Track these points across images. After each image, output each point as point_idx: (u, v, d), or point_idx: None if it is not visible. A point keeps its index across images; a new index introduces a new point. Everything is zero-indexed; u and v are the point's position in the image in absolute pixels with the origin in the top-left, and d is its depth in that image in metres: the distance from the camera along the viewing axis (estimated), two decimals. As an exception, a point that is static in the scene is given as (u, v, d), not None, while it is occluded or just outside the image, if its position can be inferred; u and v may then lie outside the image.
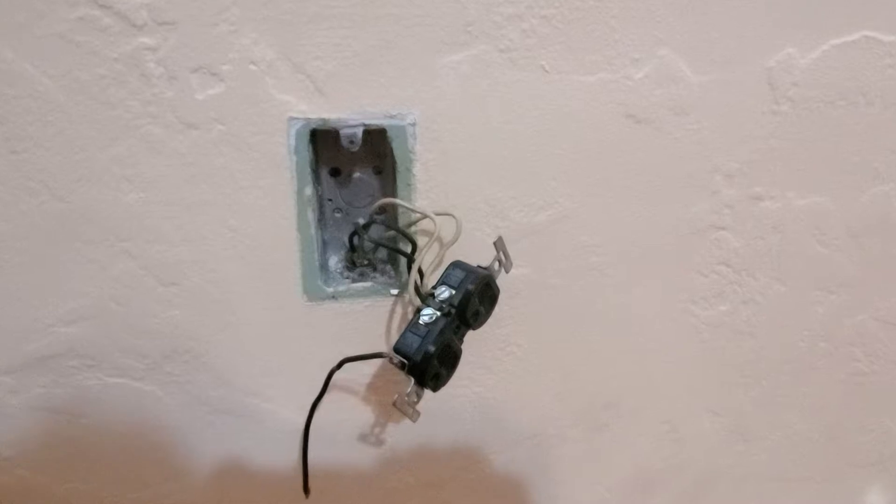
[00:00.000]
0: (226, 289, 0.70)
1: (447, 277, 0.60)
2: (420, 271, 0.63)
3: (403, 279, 0.72)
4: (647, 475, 0.91)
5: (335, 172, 0.73)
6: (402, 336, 0.59)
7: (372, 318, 0.74)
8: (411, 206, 0.63)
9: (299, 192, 0.67)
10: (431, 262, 0.67)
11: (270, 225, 0.68)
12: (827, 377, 0.89)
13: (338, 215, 0.75)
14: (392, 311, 0.74)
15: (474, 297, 0.59)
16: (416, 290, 0.62)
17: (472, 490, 0.86)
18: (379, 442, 0.82)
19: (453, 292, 0.59)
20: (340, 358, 0.66)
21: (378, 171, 0.73)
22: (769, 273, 0.80)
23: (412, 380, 0.57)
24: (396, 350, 0.58)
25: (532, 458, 0.86)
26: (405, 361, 0.57)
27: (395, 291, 0.73)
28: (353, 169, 0.73)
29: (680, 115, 0.70)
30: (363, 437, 0.81)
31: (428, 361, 0.56)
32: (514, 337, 0.78)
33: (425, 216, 0.64)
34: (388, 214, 0.74)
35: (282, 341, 0.74)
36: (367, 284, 0.73)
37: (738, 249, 0.78)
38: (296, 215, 0.68)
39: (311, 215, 0.68)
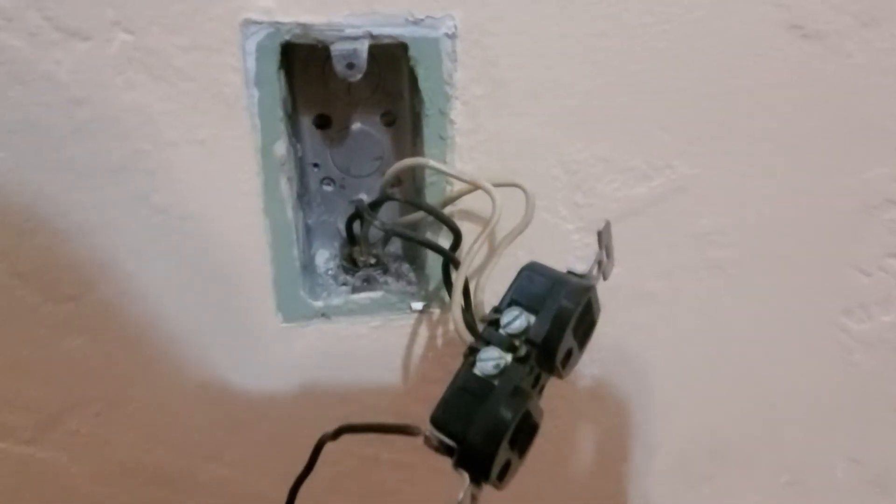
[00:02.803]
0: (151, 307, 0.44)
1: (519, 292, 0.35)
2: (465, 282, 0.38)
3: (432, 286, 0.47)
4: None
5: (323, 122, 0.47)
6: (446, 398, 0.34)
7: (383, 347, 0.49)
8: (454, 172, 0.38)
9: (265, 150, 0.41)
10: (481, 264, 0.42)
11: (220, 204, 0.42)
12: None
13: (328, 188, 0.49)
14: (414, 336, 0.49)
15: (569, 328, 0.34)
16: (466, 314, 0.37)
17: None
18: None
19: (532, 318, 0.34)
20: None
21: (390, 121, 0.47)
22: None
23: (465, 476, 0.33)
24: (436, 423, 0.33)
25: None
26: (453, 445, 0.32)
27: (418, 306, 0.47)
28: (350, 116, 0.47)
29: (869, 27, 0.44)
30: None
31: (496, 445, 0.32)
32: (588, 367, 0.53)
33: (475, 188, 0.38)
34: (408, 187, 0.48)
35: (245, 384, 0.48)
36: (376, 295, 0.47)
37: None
38: (261, 188, 0.42)
39: (285, 188, 0.42)
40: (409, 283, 0.49)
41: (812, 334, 0.56)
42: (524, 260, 0.45)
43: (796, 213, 0.50)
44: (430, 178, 0.43)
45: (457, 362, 0.50)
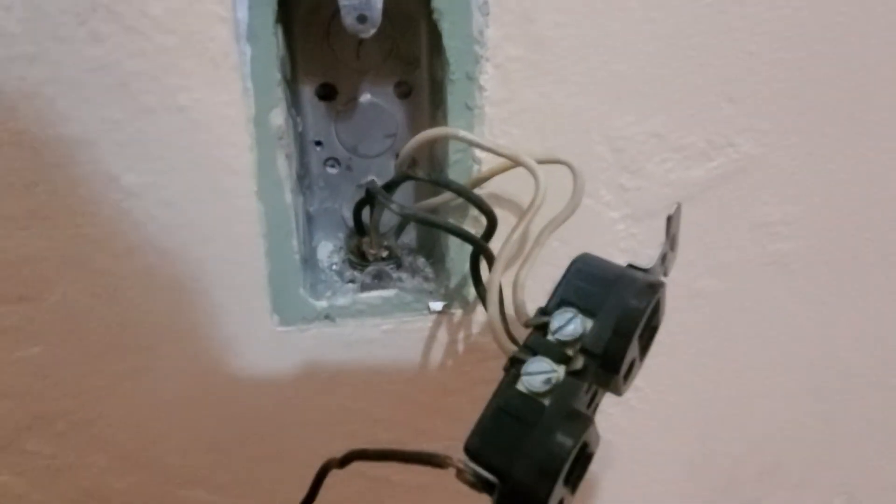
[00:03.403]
0: (123, 309, 0.37)
1: (571, 290, 0.28)
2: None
3: (453, 283, 0.40)
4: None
5: (327, 92, 0.40)
6: (484, 422, 0.27)
7: (396, 354, 0.42)
8: (490, 145, 0.31)
9: (259, 120, 0.34)
10: (518, 257, 0.35)
11: (206, 186, 0.35)
12: None
13: (332, 171, 0.43)
14: (431, 341, 0.42)
15: (636, 334, 0.27)
16: (505, 320, 0.30)
17: None
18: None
19: (588, 322, 0.28)
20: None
21: (405, 93, 0.41)
22: None
23: (510, 521, 0.26)
24: (473, 452, 0.26)
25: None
26: (494, 482, 0.26)
27: (437, 306, 0.41)
28: (359, 86, 0.40)
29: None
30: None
31: (550, 483, 0.25)
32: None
33: (511, 165, 0.32)
34: (427, 167, 0.41)
35: (235, 397, 0.42)
36: (388, 293, 0.41)
37: None
38: (254, 167, 0.35)
39: (282, 166, 0.36)
40: (427, 279, 0.42)
41: (882, 342, 0.50)
42: (561, 253, 0.39)
43: (872, 205, 0.44)
44: (454, 156, 0.36)
45: (481, 371, 0.43)
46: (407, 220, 0.33)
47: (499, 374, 0.29)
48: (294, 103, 0.39)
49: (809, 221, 0.43)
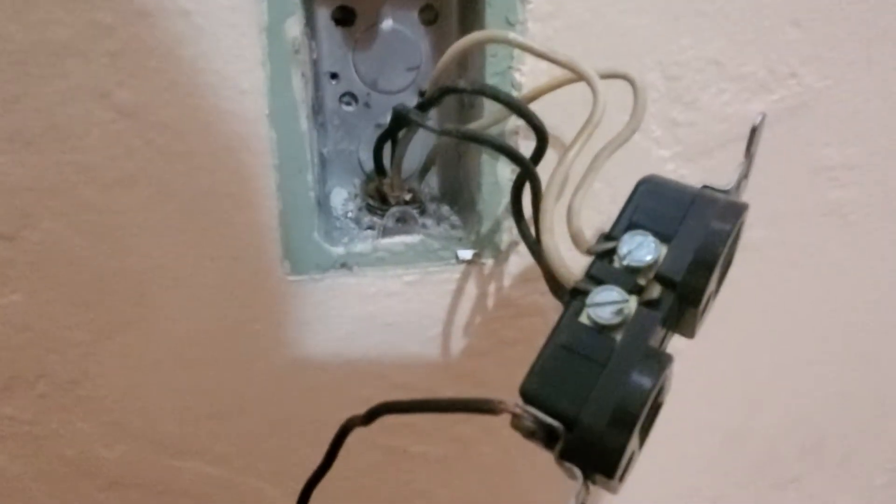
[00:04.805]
0: (114, 251, 0.33)
1: (641, 212, 0.24)
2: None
3: (485, 228, 0.36)
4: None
5: (345, 17, 0.36)
6: (544, 361, 0.23)
7: (420, 309, 0.38)
8: (545, 50, 0.27)
9: (272, 30, 0.30)
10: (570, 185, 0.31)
11: (210, 106, 0.31)
12: None
13: (349, 108, 0.38)
14: (458, 295, 0.38)
15: (720, 261, 0.23)
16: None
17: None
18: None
19: (664, 248, 0.24)
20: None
21: (430, 19, 0.37)
22: None
23: (578, 475, 0.22)
24: (532, 396, 0.22)
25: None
26: (558, 428, 0.21)
27: (466, 254, 0.36)
28: (380, 10, 0.36)
29: None
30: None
31: (628, 430, 0.21)
32: (667, 338, 0.43)
33: (559, 84, 0.28)
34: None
35: (238, 356, 0.37)
36: (412, 239, 0.36)
37: None
38: (266, 86, 0.31)
39: (298, 87, 0.31)
40: (454, 226, 0.38)
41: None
42: (604, 196, 0.35)
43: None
44: (491, 67, 0.32)
45: (512, 331, 0.39)
46: (447, 134, 0.29)
47: (534, 333, 0.25)
48: (310, 22, 0.34)
49: (873, 167, 0.39)
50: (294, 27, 0.30)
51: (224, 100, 0.31)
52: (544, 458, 0.23)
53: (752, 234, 0.40)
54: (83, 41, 0.29)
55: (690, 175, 0.37)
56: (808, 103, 0.37)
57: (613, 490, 0.24)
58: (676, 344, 0.45)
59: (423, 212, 0.38)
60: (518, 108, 0.27)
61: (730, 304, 0.42)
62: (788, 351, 0.45)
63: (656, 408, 0.25)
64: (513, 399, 0.23)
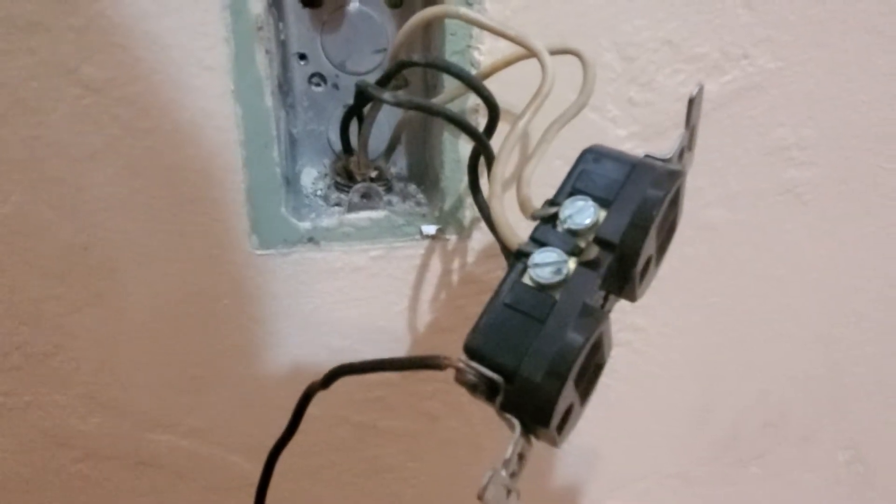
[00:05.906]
0: (84, 223, 0.34)
1: (583, 179, 0.26)
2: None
3: (448, 204, 0.37)
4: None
5: (313, -3, 0.37)
6: (487, 318, 0.24)
7: (385, 283, 0.39)
8: (496, 25, 0.28)
9: (235, 6, 0.31)
10: (519, 157, 0.32)
11: (175, 82, 0.32)
12: None
13: (318, 89, 0.39)
14: (423, 271, 0.39)
15: (654, 225, 0.25)
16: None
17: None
18: None
19: (603, 213, 0.25)
20: (320, 370, 0.30)
21: (396, 2, 0.37)
22: None
23: (516, 424, 0.23)
24: (474, 351, 0.23)
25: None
26: (498, 381, 0.23)
27: (430, 230, 0.38)
28: (347, -8, 0.37)
29: None
30: None
31: (560, 381, 0.22)
32: (630, 316, 0.44)
33: (515, 60, 0.29)
34: (415, 75, 0.38)
35: (208, 329, 0.38)
36: (378, 215, 0.37)
37: None
38: (230, 62, 0.32)
39: (262, 63, 0.32)
40: (419, 203, 0.39)
41: None
42: (561, 173, 0.36)
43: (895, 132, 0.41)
44: (451, 45, 0.33)
45: (476, 306, 0.40)
46: (402, 105, 0.30)
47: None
48: (274, 7, 0.35)
49: (827, 147, 0.41)
50: (257, 4, 0.31)
51: (189, 76, 0.32)
52: (508, 434, 0.24)
53: (709, 213, 0.42)
54: (48, 17, 0.30)
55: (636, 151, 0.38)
56: (760, 84, 0.38)
57: (555, 443, 0.25)
58: (637, 322, 0.46)
59: (389, 189, 0.39)
60: (468, 81, 0.28)
61: (689, 283, 0.44)
62: (747, 330, 0.46)
63: (597, 366, 0.26)
64: (458, 356, 0.24)
